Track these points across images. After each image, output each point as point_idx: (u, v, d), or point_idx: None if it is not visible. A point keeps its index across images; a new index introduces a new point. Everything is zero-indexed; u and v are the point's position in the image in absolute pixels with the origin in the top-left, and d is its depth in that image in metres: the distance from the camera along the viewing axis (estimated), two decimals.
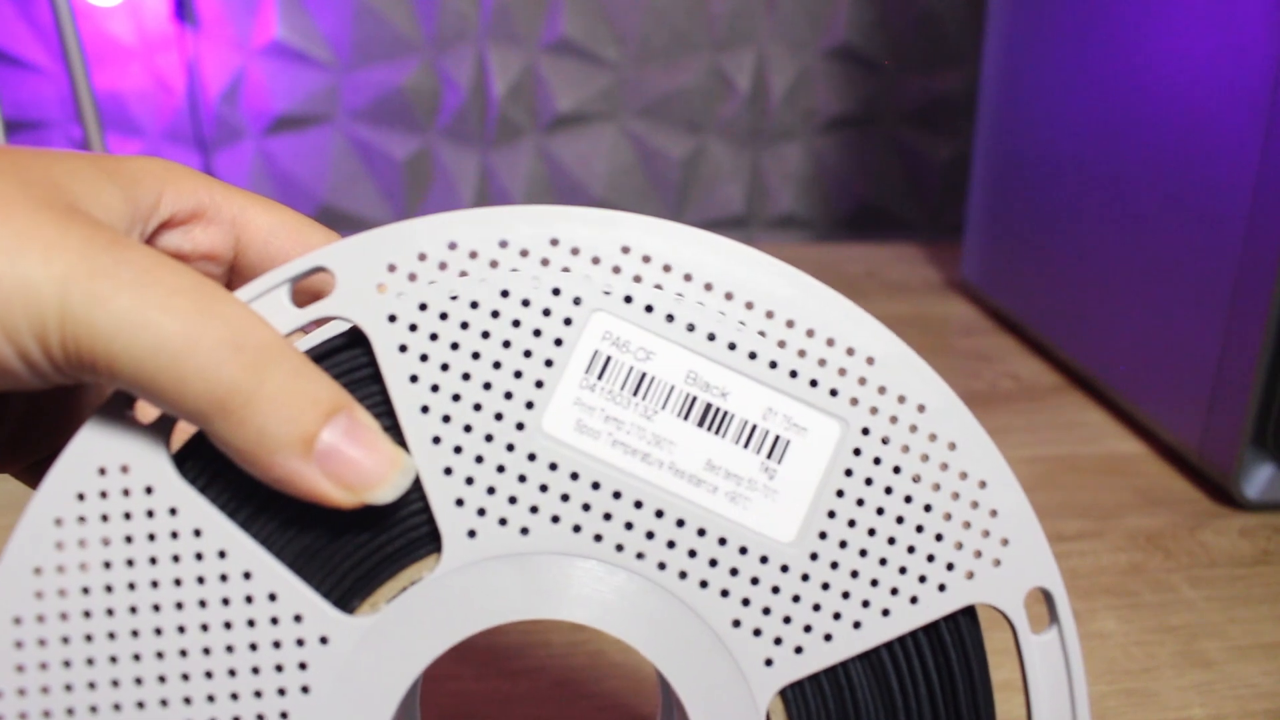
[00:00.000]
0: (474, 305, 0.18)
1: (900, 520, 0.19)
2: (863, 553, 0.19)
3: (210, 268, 0.23)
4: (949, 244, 0.87)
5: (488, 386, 0.18)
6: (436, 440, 0.18)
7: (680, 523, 0.18)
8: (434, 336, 0.18)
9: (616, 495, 0.18)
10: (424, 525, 0.19)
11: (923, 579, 0.20)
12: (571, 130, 0.87)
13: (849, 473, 0.19)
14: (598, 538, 0.18)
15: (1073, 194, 0.59)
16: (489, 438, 0.18)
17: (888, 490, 0.19)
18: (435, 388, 0.18)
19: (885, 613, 0.19)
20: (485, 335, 0.18)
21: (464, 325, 0.18)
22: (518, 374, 0.18)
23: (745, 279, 0.18)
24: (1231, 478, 0.46)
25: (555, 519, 0.18)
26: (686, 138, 0.89)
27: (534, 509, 0.18)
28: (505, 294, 0.18)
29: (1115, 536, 0.44)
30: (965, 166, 0.92)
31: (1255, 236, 0.44)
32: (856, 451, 0.19)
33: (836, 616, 0.19)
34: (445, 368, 0.18)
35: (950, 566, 0.20)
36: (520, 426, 0.18)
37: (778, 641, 0.19)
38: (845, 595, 0.19)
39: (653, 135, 0.88)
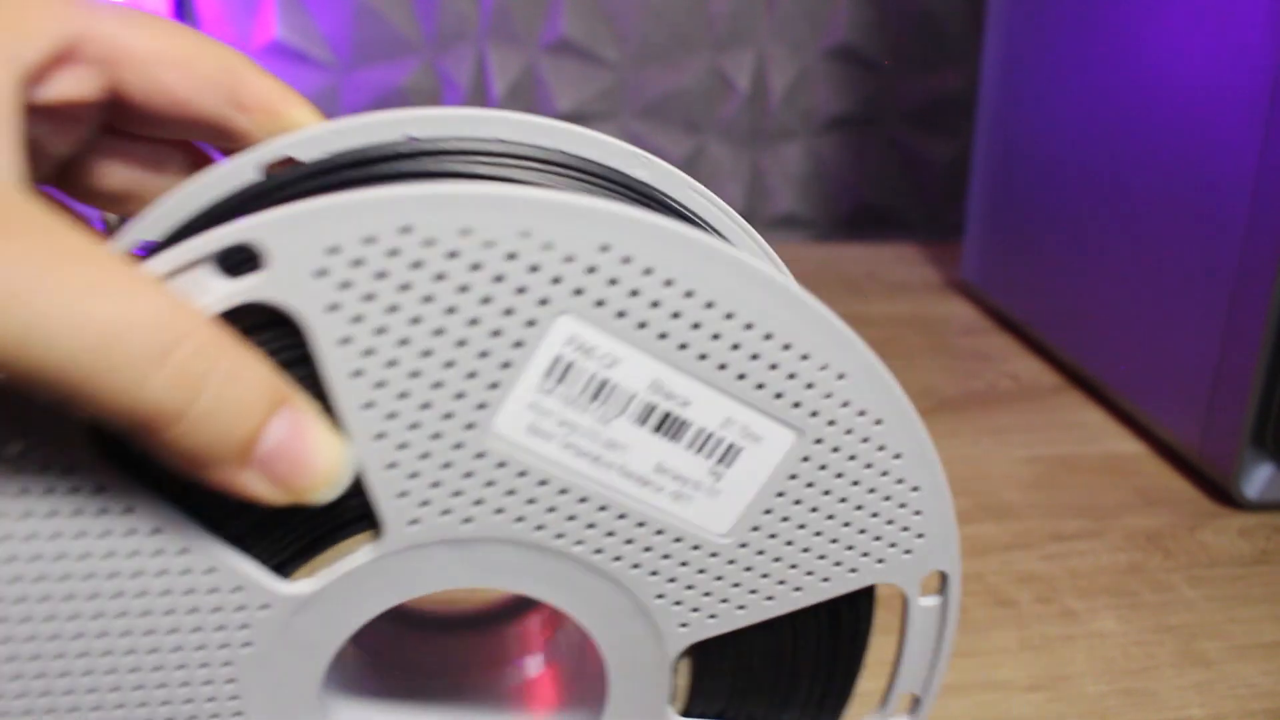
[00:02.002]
0: (427, 300, 0.17)
1: (831, 517, 0.20)
2: (789, 543, 0.20)
3: (79, 129, 0.20)
4: (949, 244, 0.87)
5: (438, 385, 0.17)
6: (380, 436, 0.17)
7: (622, 516, 0.19)
8: (381, 331, 0.17)
9: (562, 492, 0.18)
10: (364, 507, 0.18)
11: (838, 564, 0.21)
12: None
13: (793, 476, 0.19)
14: (539, 527, 0.19)
15: (1073, 194, 0.59)
16: (436, 435, 0.18)
17: (826, 492, 0.19)
18: (381, 384, 0.17)
19: (797, 589, 0.20)
20: (438, 333, 0.17)
21: (415, 320, 0.17)
22: (471, 374, 0.17)
23: (728, 289, 0.17)
24: (1231, 477, 0.46)
25: (499, 510, 0.18)
26: (686, 138, 0.89)
27: (478, 502, 0.18)
28: (464, 289, 0.17)
29: (1115, 536, 0.44)
30: (965, 166, 0.92)
31: (1255, 236, 0.44)
32: (805, 458, 0.19)
33: (753, 592, 0.20)
34: (392, 364, 0.17)
35: (865, 554, 0.21)
36: (470, 426, 0.18)
37: (695, 610, 0.20)
38: (765, 576, 0.20)
39: (653, 135, 0.88)
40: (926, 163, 0.93)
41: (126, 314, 0.14)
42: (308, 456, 0.16)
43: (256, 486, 0.16)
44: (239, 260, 0.16)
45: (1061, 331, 0.61)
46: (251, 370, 0.16)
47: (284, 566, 0.19)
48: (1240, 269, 0.45)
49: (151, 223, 0.21)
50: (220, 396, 0.15)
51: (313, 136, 0.20)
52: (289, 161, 0.20)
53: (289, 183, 0.19)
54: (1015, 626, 0.38)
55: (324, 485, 0.17)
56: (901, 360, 0.62)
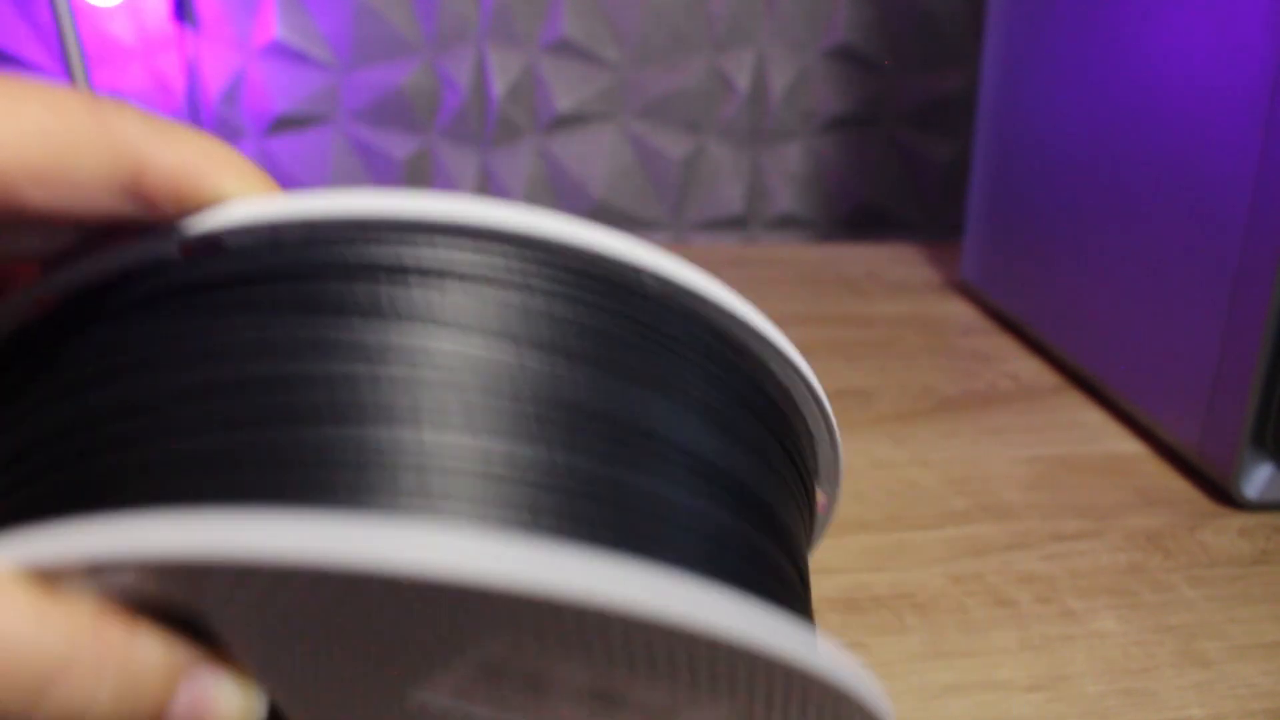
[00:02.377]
0: (350, 627, 0.14)
1: None
2: None
3: None
4: (949, 244, 0.87)
5: (354, 676, 0.16)
6: (296, 702, 0.16)
7: None
8: (295, 639, 0.15)
9: None
10: None
11: None
12: (571, 130, 0.87)
13: None
14: None
15: (1073, 194, 0.59)
16: (350, 700, 0.16)
17: None
18: (290, 667, 0.16)
19: None
20: (361, 643, 0.15)
21: (334, 634, 0.15)
22: (391, 671, 0.16)
23: (690, 642, 0.15)
24: (1231, 478, 0.46)
25: None
26: (686, 138, 0.89)
27: None
28: (395, 625, 0.15)
29: (1114, 536, 0.44)
30: (965, 166, 0.92)
31: (1255, 236, 0.44)
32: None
33: None
34: (307, 656, 0.15)
35: None
36: (388, 698, 0.16)
37: None
38: None
39: (652, 135, 0.88)
40: (926, 163, 0.93)
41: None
42: (216, 715, 0.16)
43: None
44: None
45: (1061, 331, 0.61)
46: (141, 660, 0.15)
47: None
48: (1240, 269, 0.45)
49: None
50: (116, 700, 0.14)
51: (241, 218, 0.17)
52: (210, 244, 0.17)
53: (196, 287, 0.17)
54: (1015, 626, 0.38)
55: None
56: (901, 360, 0.62)
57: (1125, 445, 0.53)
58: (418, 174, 0.86)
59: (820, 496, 0.24)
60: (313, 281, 0.16)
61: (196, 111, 0.82)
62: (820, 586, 0.40)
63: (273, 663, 0.16)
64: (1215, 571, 0.42)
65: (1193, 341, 0.48)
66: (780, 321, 0.74)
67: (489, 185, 0.88)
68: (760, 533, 0.19)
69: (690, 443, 0.18)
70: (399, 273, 0.16)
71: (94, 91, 0.17)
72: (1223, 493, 0.47)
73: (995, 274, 0.70)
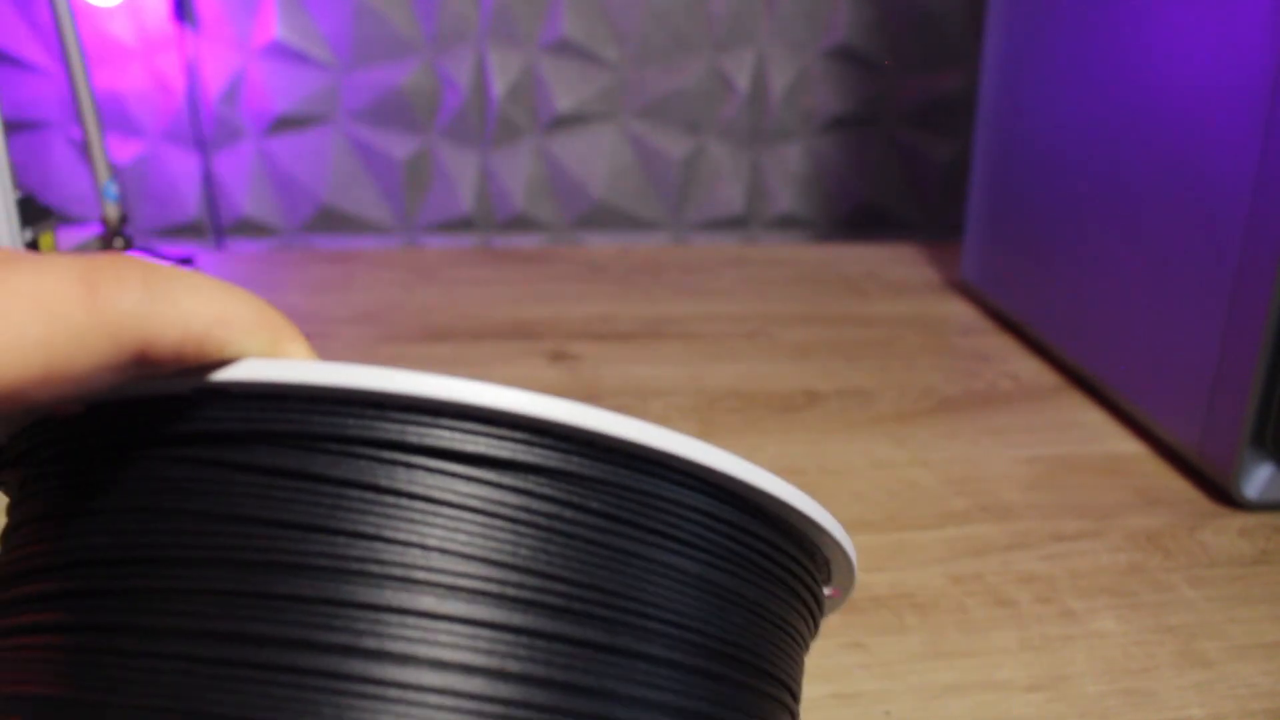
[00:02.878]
0: None
1: None
2: None
3: None
4: (949, 244, 0.87)
5: None
6: None
7: None
8: None
9: None
10: None
11: None
12: (571, 130, 0.87)
13: None
14: None
15: (1073, 194, 0.59)
16: None
17: None
18: None
19: None
20: None
21: None
22: None
23: None
24: (1231, 478, 0.46)
25: None
26: (686, 138, 0.89)
27: None
28: None
29: (1115, 536, 0.44)
30: (965, 166, 0.92)
31: (1254, 236, 0.44)
32: None
33: None
34: None
35: None
36: None
37: None
38: None
39: (653, 135, 0.88)
40: (926, 163, 0.93)
41: None
42: None
43: None
44: None
45: (1061, 331, 0.61)
46: None
47: None
48: (1240, 269, 0.45)
49: None
50: None
51: (249, 376, 0.17)
52: (218, 393, 0.17)
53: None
54: (1015, 627, 0.38)
55: None
56: (901, 360, 0.62)
57: (1125, 445, 0.53)
58: (418, 174, 0.86)
59: (830, 590, 0.25)
60: (310, 450, 0.17)
61: (196, 111, 0.82)
62: None
63: None
64: (1215, 572, 0.42)
65: (1193, 341, 0.48)
66: (780, 321, 0.75)
67: (488, 185, 0.88)
68: (753, 699, 0.19)
69: (684, 625, 0.18)
70: (399, 450, 0.17)
71: (89, 254, 0.15)
72: (1223, 493, 0.47)
73: (995, 274, 0.70)
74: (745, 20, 0.86)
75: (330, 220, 0.87)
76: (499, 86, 0.85)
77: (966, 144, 0.91)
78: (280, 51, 0.82)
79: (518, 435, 0.17)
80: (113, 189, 0.70)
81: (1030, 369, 0.62)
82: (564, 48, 0.85)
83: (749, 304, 0.72)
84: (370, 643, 0.16)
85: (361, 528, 0.16)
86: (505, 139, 0.87)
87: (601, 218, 0.90)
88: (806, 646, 0.23)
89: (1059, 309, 0.61)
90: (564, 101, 0.86)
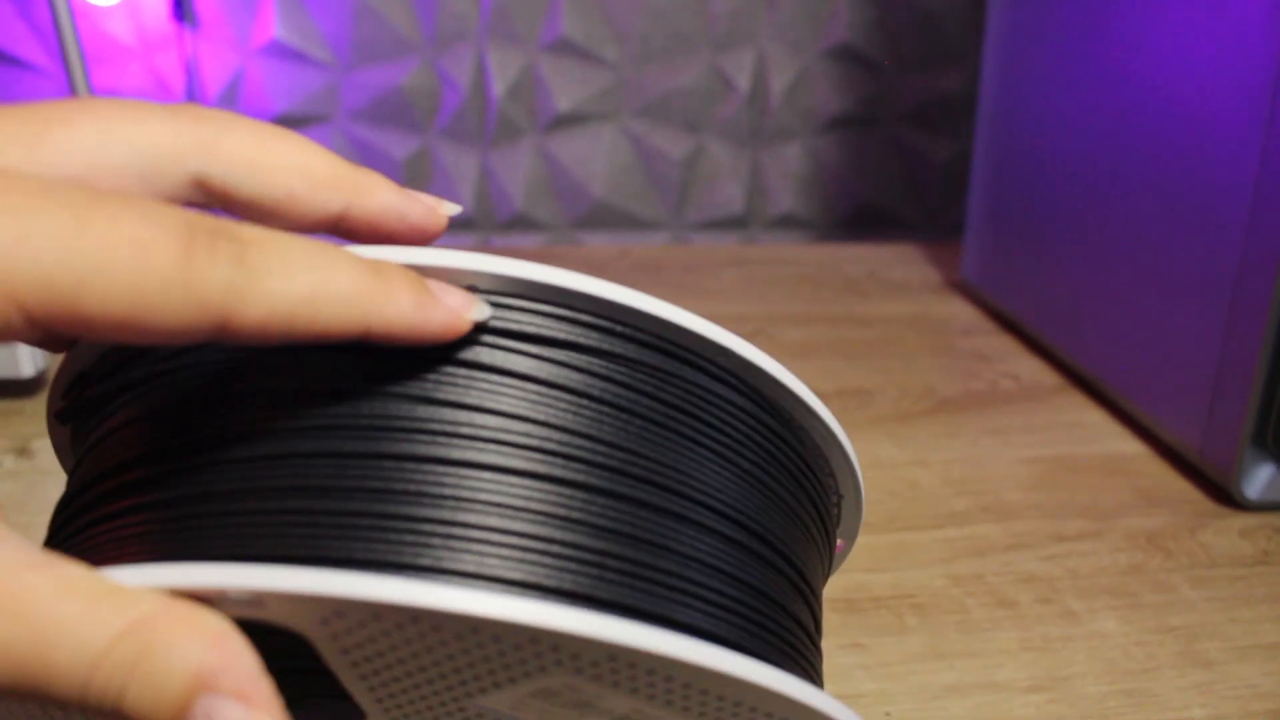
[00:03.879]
0: (428, 652, 0.17)
1: None
2: None
3: None
4: (949, 244, 0.87)
5: (428, 684, 0.18)
6: (374, 695, 0.18)
7: None
8: (378, 655, 0.17)
9: None
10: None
11: None
12: (571, 130, 0.87)
13: None
14: None
15: (1073, 194, 0.59)
16: (422, 698, 0.18)
17: None
18: (379, 681, 0.18)
19: None
20: (436, 664, 0.17)
21: (413, 656, 0.17)
22: (461, 683, 0.18)
23: (722, 686, 0.17)
24: (1231, 478, 0.46)
25: None
26: (686, 138, 0.89)
27: None
28: (467, 654, 0.17)
29: (1115, 536, 0.44)
30: (965, 166, 0.92)
31: (1255, 236, 0.44)
32: None
33: None
34: (387, 668, 0.17)
35: None
36: (455, 699, 0.18)
37: None
38: None
39: (652, 135, 0.88)
40: (926, 163, 0.93)
41: (46, 631, 0.15)
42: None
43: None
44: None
45: (1061, 331, 0.61)
46: (164, 661, 0.15)
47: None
48: (1240, 269, 0.45)
49: None
50: (135, 703, 0.15)
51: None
52: None
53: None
54: (1016, 627, 0.38)
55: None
56: (901, 360, 0.62)
57: (1125, 445, 0.52)
58: (417, 174, 0.86)
59: (839, 541, 0.26)
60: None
61: None
62: None
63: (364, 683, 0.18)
64: (1216, 572, 0.42)
65: (1193, 341, 0.48)
66: (780, 321, 0.75)
67: (488, 185, 0.88)
68: (782, 583, 0.21)
69: (725, 504, 0.20)
70: (486, 332, 0.19)
71: (186, 214, 0.16)
72: (1223, 493, 0.47)
73: (995, 274, 0.70)
74: (745, 20, 0.86)
75: None
76: (499, 86, 0.85)
77: (966, 144, 0.91)
78: (280, 51, 0.82)
79: (583, 319, 0.19)
80: None
81: (1030, 369, 0.62)
82: (564, 47, 0.85)
83: (749, 304, 0.72)
84: (448, 492, 0.18)
85: (451, 398, 0.18)
86: (505, 139, 0.87)
87: (601, 218, 0.90)
88: (824, 574, 0.24)
89: (1059, 309, 0.61)
90: (564, 101, 0.86)
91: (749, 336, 0.66)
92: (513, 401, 0.18)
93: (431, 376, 0.18)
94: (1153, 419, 0.52)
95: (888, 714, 0.33)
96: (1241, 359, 0.45)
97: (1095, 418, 0.56)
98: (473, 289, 0.19)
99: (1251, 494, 0.46)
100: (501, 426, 0.18)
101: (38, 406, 0.53)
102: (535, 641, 0.16)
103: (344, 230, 0.21)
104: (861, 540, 0.43)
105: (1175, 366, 0.50)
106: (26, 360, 0.52)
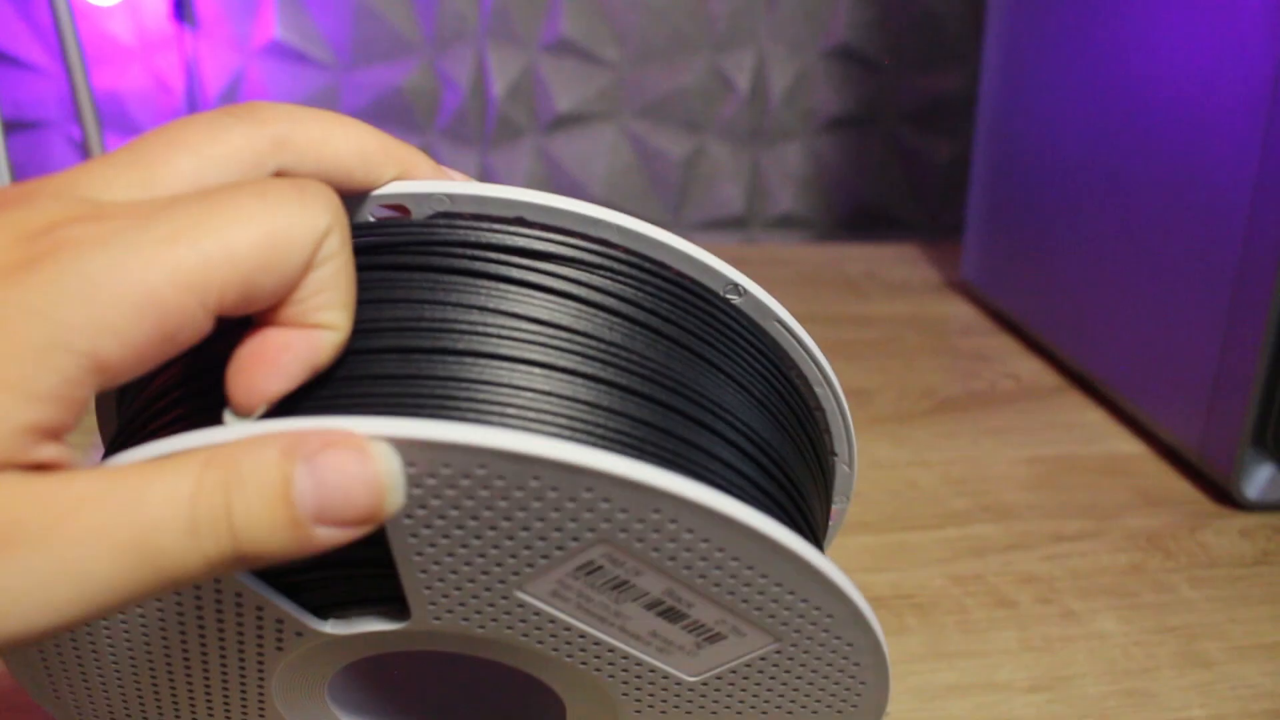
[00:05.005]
0: (488, 511, 0.18)
1: (787, 684, 0.23)
2: (748, 695, 0.23)
3: None
4: (949, 244, 0.87)
5: (483, 560, 0.19)
6: (425, 582, 0.20)
7: (611, 650, 0.22)
8: (444, 529, 0.19)
9: (566, 629, 0.21)
10: (399, 593, 0.21)
11: (790, 713, 0.24)
12: (571, 130, 0.87)
13: (763, 659, 0.22)
14: (540, 643, 0.22)
15: (1073, 194, 0.59)
16: (472, 580, 0.20)
17: (787, 671, 0.22)
18: (436, 552, 0.19)
19: None
20: (492, 529, 0.19)
21: (474, 520, 0.19)
22: (512, 556, 0.19)
23: (745, 549, 0.19)
24: (1231, 478, 0.46)
25: (510, 628, 0.21)
26: (686, 138, 0.89)
27: (495, 620, 0.21)
28: (522, 511, 0.18)
29: (1115, 536, 0.44)
30: (965, 166, 0.92)
31: (1255, 236, 0.44)
32: (776, 652, 0.22)
33: (708, 711, 0.24)
34: (445, 537, 0.19)
35: (816, 713, 0.24)
36: (502, 583, 0.20)
37: (651, 706, 0.24)
38: (725, 709, 0.23)
39: (652, 135, 0.88)
40: (926, 163, 0.93)
41: (114, 540, 0.16)
42: (348, 485, 0.17)
43: (332, 536, 0.17)
44: None
45: (1061, 331, 0.61)
46: (252, 461, 0.17)
47: (323, 612, 0.22)
48: (1240, 269, 0.45)
49: None
50: (245, 513, 0.16)
51: (426, 193, 0.23)
52: (401, 209, 0.23)
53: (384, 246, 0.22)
54: (1016, 627, 0.38)
55: (382, 498, 0.17)
56: (901, 360, 0.62)
57: (1125, 445, 0.52)
58: None
59: (834, 507, 0.28)
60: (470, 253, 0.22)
61: (196, 111, 0.82)
62: None
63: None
64: (1216, 572, 0.42)
65: (1193, 341, 0.48)
66: None
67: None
68: (795, 507, 0.24)
69: (745, 422, 0.23)
70: (538, 258, 0.22)
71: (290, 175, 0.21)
72: (1223, 493, 0.47)
73: (995, 274, 0.70)
74: (745, 20, 0.86)
75: None
76: (499, 86, 0.85)
77: (966, 144, 0.91)
78: (280, 51, 0.82)
79: (617, 252, 0.22)
80: None
81: (1030, 369, 0.62)
82: (564, 48, 0.85)
83: None
84: (503, 379, 0.20)
85: (503, 307, 0.21)
86: (505, 139, 0.87)
87: None
88: (823, 531, 0.27)
89: (1059, 309, 0.61)
90: (564, 101, 0.86)
91: None
92: (557, 313, 0.21)
93: (485, 289, 0.21)
94: (1153, 419, 0.52)
95: (887, 714, 0.33)
96: (1241, 359, 0.45)
97: (1095, 418, 0.56)
98: (520, 220, 0.22)
99: (1251, 494, 0.46)
100: (548, 332, 0.21)
101: None
102: (589, 491, 0.18)
103: None
104: (861, 540, 0.43)
105: (1175, 366, 0.50)
106: None
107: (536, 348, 0.21)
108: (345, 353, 0.20)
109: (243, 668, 0.23)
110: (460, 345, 0.20)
